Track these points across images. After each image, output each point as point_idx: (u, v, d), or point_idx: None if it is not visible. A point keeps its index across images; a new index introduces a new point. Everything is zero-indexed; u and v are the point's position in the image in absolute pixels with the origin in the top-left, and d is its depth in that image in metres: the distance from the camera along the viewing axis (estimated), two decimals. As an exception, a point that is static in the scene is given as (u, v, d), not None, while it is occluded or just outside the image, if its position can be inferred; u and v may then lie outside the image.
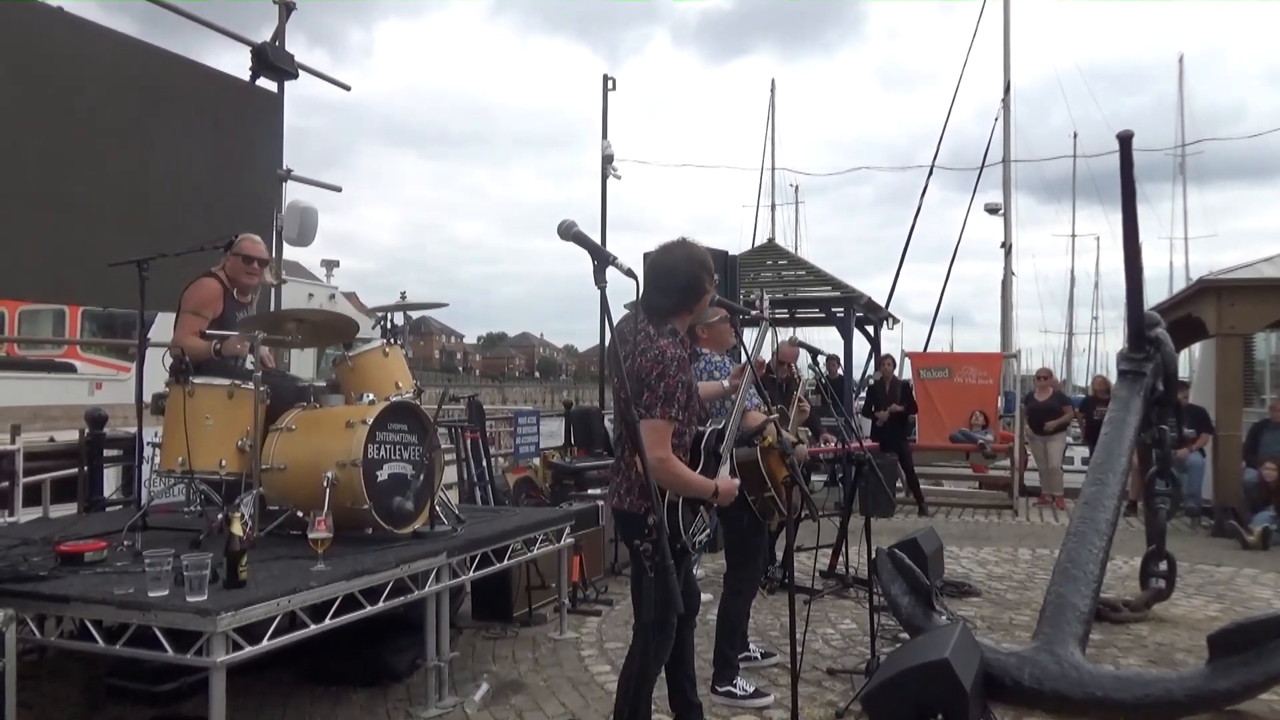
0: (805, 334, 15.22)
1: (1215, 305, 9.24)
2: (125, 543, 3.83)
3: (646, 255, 6.41)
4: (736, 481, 3.24)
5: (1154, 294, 7.40)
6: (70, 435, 5.69)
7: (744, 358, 4.30)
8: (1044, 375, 12.12)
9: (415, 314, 4.80)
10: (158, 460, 4.30)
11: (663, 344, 2.96)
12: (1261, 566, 7.27)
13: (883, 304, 15.28)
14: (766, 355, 6.27)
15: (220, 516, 3.87)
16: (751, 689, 4.12)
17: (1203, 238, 57.97)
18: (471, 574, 4.34)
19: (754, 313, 4.27)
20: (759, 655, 4.65)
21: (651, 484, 2.52)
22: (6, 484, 5.29)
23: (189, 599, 2.96)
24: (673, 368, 2.92)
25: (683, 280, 3.05)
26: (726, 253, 7.58)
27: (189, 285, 4.53)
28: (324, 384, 4.72)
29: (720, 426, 3.29)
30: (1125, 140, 4.88)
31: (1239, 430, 9.28)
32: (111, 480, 5.69)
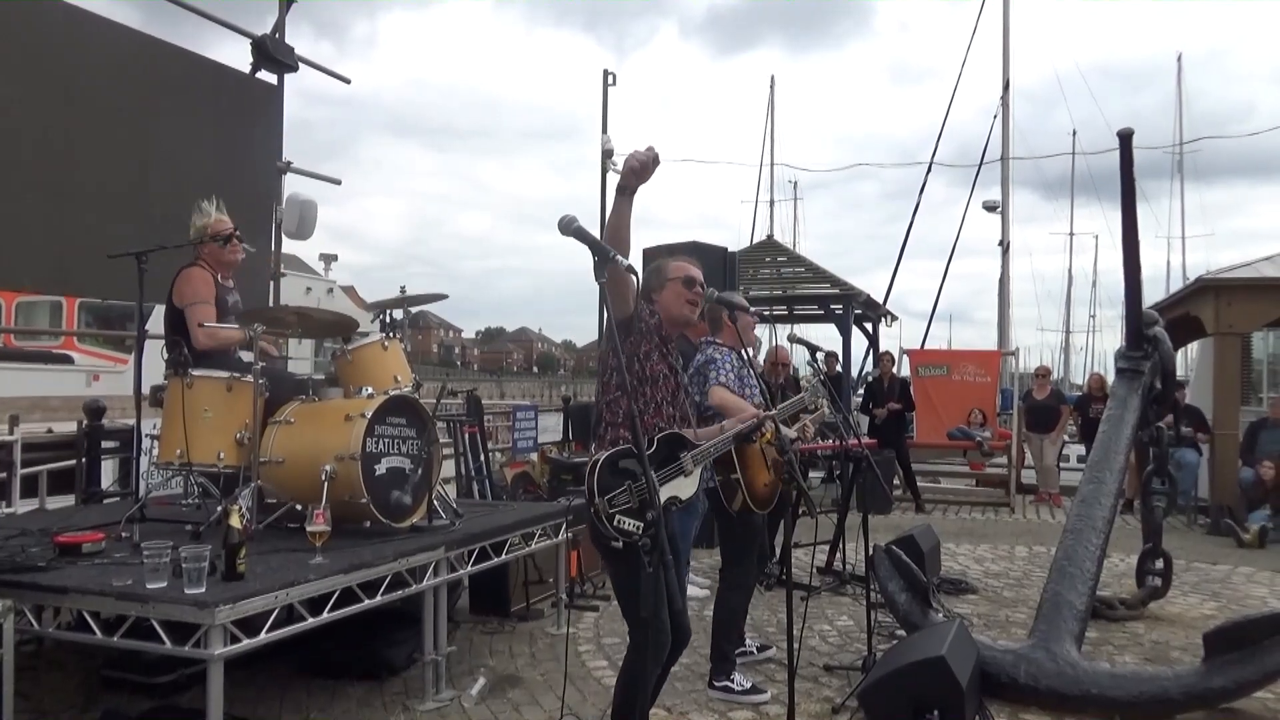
0: (803, 330, 15.22)
1: (1214, 304, 9.25)
2: (123, 534, 3.83)
3: (646, 251, 6.42)
4: None
5: (1150, 293, 7.43)
6: (68, 426, 5.68)
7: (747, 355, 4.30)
8: (1042, 373, 12.15)
9: (414, 308, 4.79)
10: (156, 452, 4.30)
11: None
12: (1257, 565, 7.29)
13: (881, 301, 15.28)
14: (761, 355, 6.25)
15: (219, 509, 3.88)
16: (748, 684, 4.13)
17: (1200, 236, 58.26)
18: (469, 568, 4.34)
19: (754, 309, 4.27)
20: (755, 651, 4.66)
21: (650, 478, 2.51)
22: (4, 475, 5.28)
23: (187, 591, 2.96)
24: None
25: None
26: (726, 249, 7.59)
27: (177, 280, 4.40)
28: (322, 377, 4.71)
29: (699, 445, 3.15)
30: (1125, 138, 4.87)
31: (1236, 429, 9.29)
32: (109, 472, 5.68)
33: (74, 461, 5.41)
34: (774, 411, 3.77)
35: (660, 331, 3.17)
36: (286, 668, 4.27)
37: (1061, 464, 11.78)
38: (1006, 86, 18.82)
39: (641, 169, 2.77)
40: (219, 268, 4.53)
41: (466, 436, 7.12)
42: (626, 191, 2.80)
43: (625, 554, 2.72)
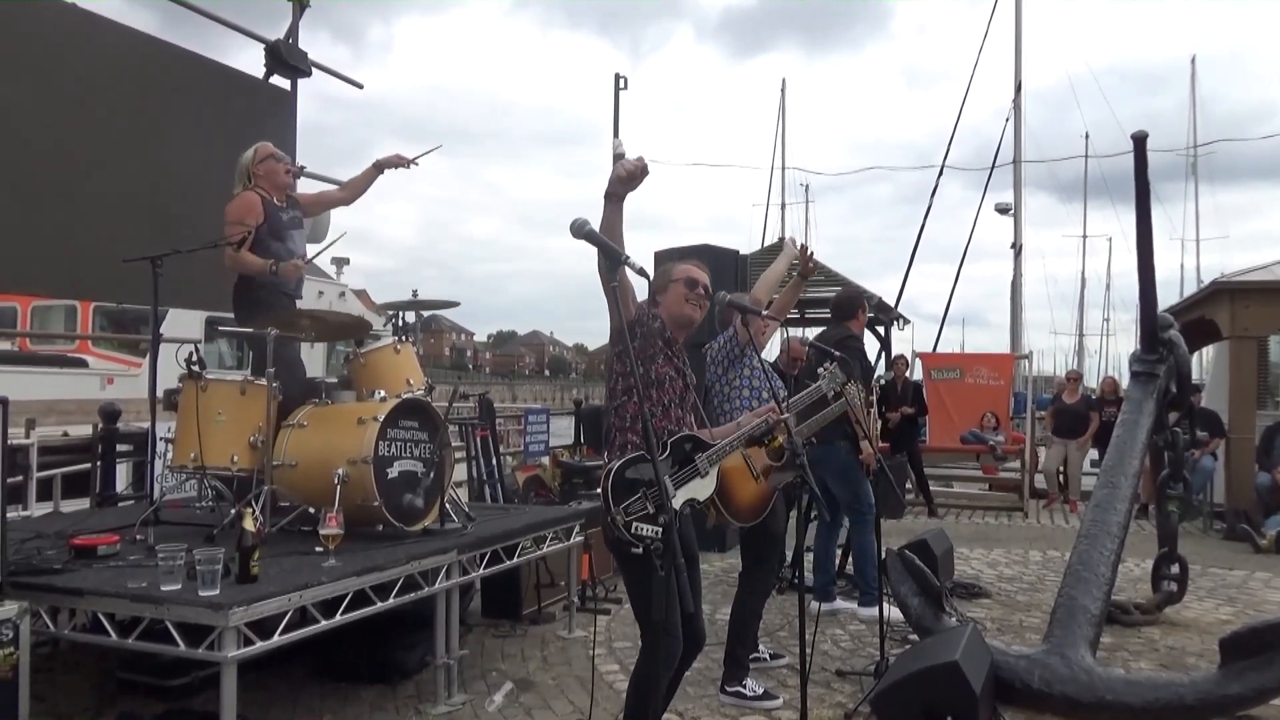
0: (814, 334, 15.15)
1: (1229, 307, 9.18)
2: (138, 537, 3.86)
3: (658, 254, 6.42)
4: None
5: (1164, 296, 7.29)
6: (83, 430, 5.72)
7: (757, 359, 4.30)
8: (1074, 378, 12.03)
9: (426, 311, 4.81)
10: (170, 455, 4.33)
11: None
12: (1274, 570, 7.22)
13: (893, 304, 15.21)
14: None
15: (232, 512, 3.90)
16: (760, 690, 4.11)
17: (1214, 239, 58.02)
18: (481, 571, 4.35)
19: (765, 312, 4.26)
20: (768, 656, 4.64)
21: (661, 480, 2.50)
22: (20, 478, 5.32)
23: (201, 593, 2.97)
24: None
25: None
26: (737, 252, 7.59)
27: (229, 204, 4.66)
28: (335, 380, 4.73)
29: (714, 445, 3.16)
30: (1140, 141, 4.84)
31: (1252, 433, 9.21)
32: (124, 475, 5.72)
33: (89, 465, 5.44)
34: (787, 415, 3.75)
35: (665, 334, 3.18)
36: (299, 670, 4.29)
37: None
38: (1019, 89, 18.75)
39: (629, 177, 2.77)
40: (274, 190, 4.75)
41: (478, 440, 7.13)
42: (614, 199, 2.79)
43: (639, 558, 2.72)
